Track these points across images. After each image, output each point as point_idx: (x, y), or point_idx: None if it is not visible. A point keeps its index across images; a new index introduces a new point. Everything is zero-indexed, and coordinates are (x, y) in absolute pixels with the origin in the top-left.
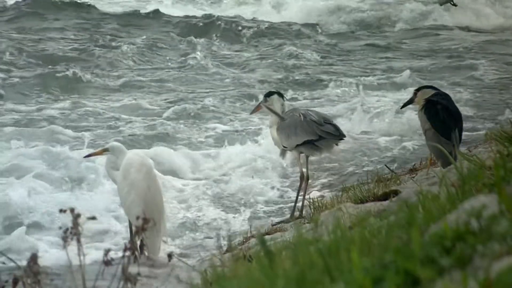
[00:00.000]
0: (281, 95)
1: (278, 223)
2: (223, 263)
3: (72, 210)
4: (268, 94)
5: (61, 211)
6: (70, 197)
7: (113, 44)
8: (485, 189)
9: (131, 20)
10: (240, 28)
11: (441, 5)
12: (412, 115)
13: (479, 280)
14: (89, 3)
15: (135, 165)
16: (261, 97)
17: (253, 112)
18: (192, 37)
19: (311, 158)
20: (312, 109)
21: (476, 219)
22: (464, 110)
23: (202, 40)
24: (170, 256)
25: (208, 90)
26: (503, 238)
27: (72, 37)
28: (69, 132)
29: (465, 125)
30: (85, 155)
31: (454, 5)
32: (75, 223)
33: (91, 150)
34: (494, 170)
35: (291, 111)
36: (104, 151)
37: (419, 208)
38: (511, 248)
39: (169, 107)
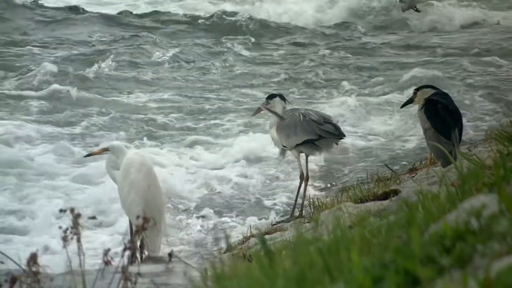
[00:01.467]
0: (283, 98)
1: (278, 222)
2: (223, 263)
3: (72, 209)
4: (270, 97)
5: (61, 210)
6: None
7: (133, 42)
8: (485, 189)
9: (154, 19)
10: (261, 26)
11: (403, 11)
12: (413, 115)
13: (479, 280)
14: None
15: (135, 164)
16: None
17: (254, 114)
18: (212, 36)
19: (311, 157)
20: (312, 108)
21: (476, 219)
22: (470, 109)
23: (218, 39)
24: (170, 255)
25: (218, 87)
26: (503, 238)
27: (98, 35)
28: (82, 128)
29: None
30: (85, 155)
31: (417, 11)
32: (75, 223)
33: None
34: (494, 169)
35: (290, 110)
36: (104, 150)
37: (419, 208)
38: (511, 248)
39: (179, 103)
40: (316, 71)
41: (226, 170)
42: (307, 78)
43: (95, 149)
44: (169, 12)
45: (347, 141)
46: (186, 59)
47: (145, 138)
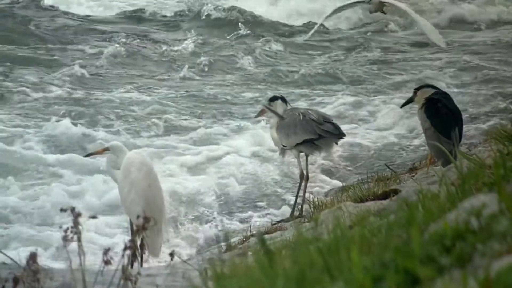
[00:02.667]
0: (284, 100)
1: (278, 222)
2: (223, 262)
3: (72, 209)
4: (272, 99)
5: (61, 210)
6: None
7: (149, 39)
8: (485, 188)
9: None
10: (278, 25)
11: (371, 13)
12: (413, 114)
13: (479, 279)
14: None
15: (136, 164)
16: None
17: (258, 115)
18: (230, 33)
19: (311, 157)
20: (311, 108)
21: (476, 218)
22: (472, 109)
23: (237, 36)
24: (171, 255)
25: (234, 83)
26: (503, 237)
27: (116, 34)
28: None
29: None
30: (85, 154)
31: (384, 13)
32: (76, 222)
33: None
34: (494, 169)
35: (290, 110)
36: (105, 150)
37: (419, 207)
38: (511, 247)
39: (195, 100)
40: (331, 69)
41: (235, 167)
42: (322, 76)
43: (96, 149)
44: (185, 10)
45: (347, 140)
46: (198, 55)
47: (155, 135)
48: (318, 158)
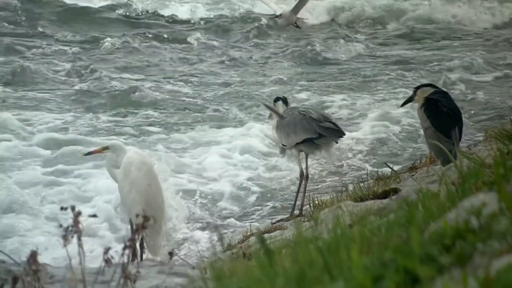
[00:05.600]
0: (285, 102)
1: (278, 221)
2: (223, 262)
3: (73, 208)
4: (275, 100)
5: (62, 208)
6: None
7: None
8: (484, 187)
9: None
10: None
11: (282, 27)
12: (414, 114)
13: (479, 278)
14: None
15: (136, 163)
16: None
17: (270, 117)
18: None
19: (311, 156)
20: (311, 107)
21: (476, 217)
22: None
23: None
24: (171, 254)
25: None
26: (503, 236)
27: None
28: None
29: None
30: (85, 153)
31: (298, 27)
32: (76, 221)
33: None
34: (494, 168)
35: (290, 109)
36: (105, 149)
37: (419, 206)
38: (511, 246)
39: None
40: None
41: (236, 167)
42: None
43: (96, 147)
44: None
45: (347, 139)
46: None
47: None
48: (318, 157)
